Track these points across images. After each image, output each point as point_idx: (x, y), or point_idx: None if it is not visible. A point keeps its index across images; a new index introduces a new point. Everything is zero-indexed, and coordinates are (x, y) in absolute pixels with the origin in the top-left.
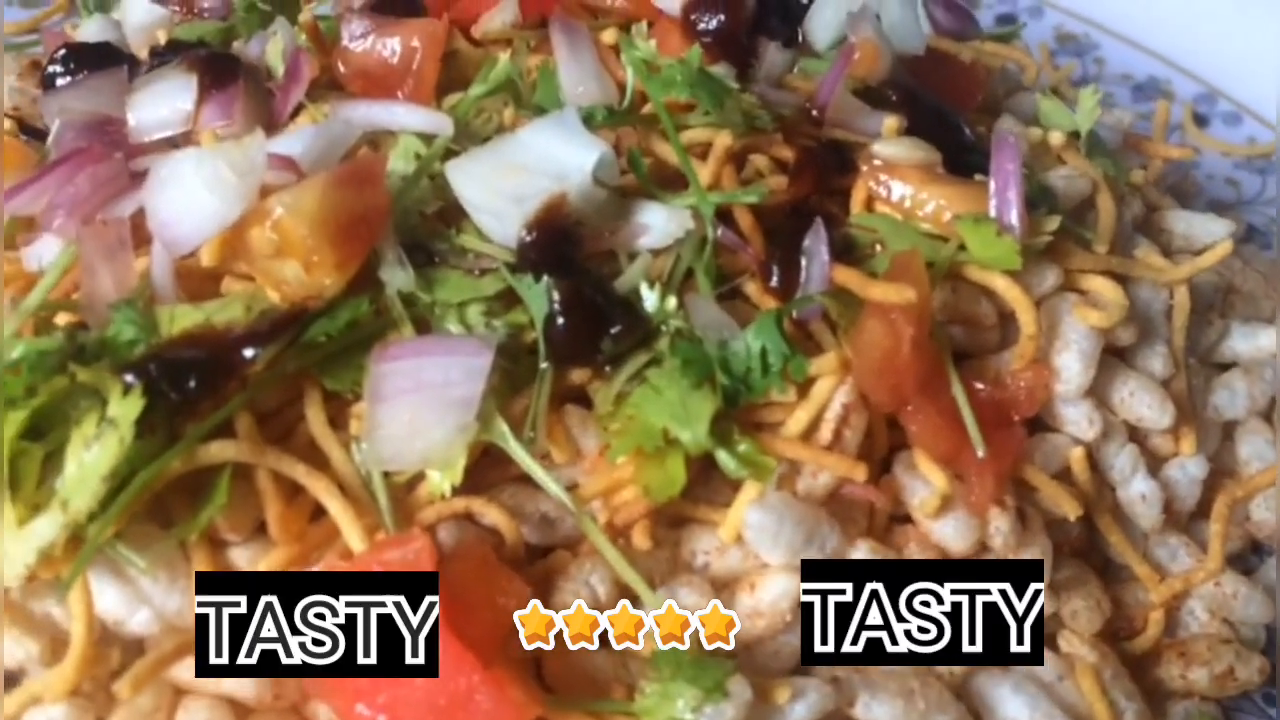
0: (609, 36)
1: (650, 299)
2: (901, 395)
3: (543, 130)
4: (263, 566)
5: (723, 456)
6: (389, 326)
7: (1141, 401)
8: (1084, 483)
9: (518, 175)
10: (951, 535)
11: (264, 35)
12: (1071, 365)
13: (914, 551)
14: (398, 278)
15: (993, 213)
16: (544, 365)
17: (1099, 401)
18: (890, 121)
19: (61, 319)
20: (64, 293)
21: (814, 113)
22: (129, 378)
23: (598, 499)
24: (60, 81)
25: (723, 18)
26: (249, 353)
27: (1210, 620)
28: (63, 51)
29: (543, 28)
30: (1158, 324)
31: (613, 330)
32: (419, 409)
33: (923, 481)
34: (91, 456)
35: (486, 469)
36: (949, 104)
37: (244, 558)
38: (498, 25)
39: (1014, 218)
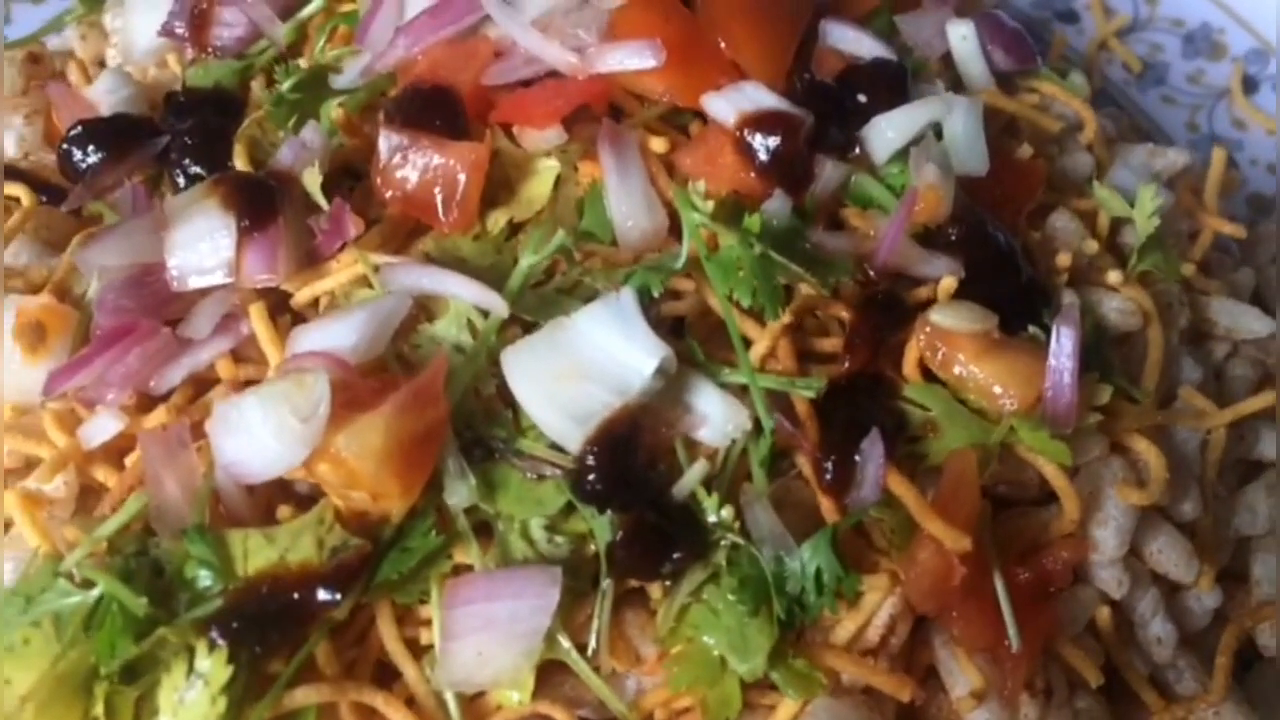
0: (658, 145)
1: (709, 505)
2: (948, 605)
3: (601, 322)
4: None
5: (777, 676)
6: (454, 541)
7: (1169, 558)
8: (1108, 636)
9: (577, 384)
10: None
11: (296, 142)
12: (1109, 540)
13: None
14: (460, 493)
15: (1048, 394)
16: (606, 582)
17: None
18: (947, 282)
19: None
20: (127, 487)
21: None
22: (215, 634)
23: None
24: (78, 159)
25: (780, 140)
26: (325, 596)
27: None
28: (78, 129)
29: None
30: (1192, 462)
31: (674, 555)
32: (489, 643)
33: (960, 673)
34: (186, 712)
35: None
36: (1006, 208)
37: None
38: (544, 146)
39: (1066, 408)
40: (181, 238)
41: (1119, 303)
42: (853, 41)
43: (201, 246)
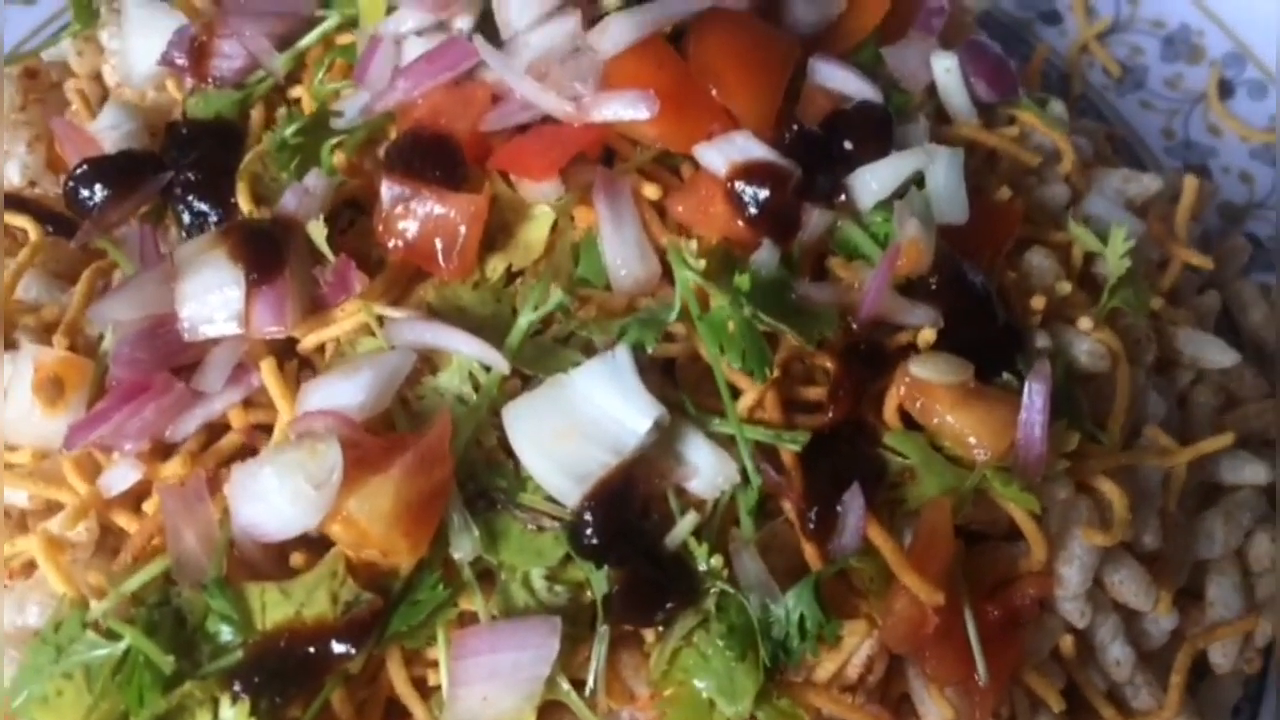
0: (651, 192)
1: (699, 554)
2: (921, 646)
3: (598, 380)
4: None
5: (762, 716)
6: (460, 590)
7: (1129, 590)
8: (1071, 662)
9: (576, 443)
10: None
11: (300, 188)
12: (1074, 577)
13: None
14: (465, 547)
15: (1019, 446)
16: (603, 628)
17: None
18: (926, 334)
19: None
20: (148, 535)
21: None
22: (238, 688)
23: None
24: (85, 197)
25: (769, 193)
26: (340, 648)
27: None
28: (84, 168)
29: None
30: (1154, 494)
31: (667, 605)
32: (494, 690)
33: (931, 703)
34: None
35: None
36: (984, 250)
37: None
38: (541, 197)
39: (1036, 460)
40: (191, 289)
41: (1089, 345)
42: (840, 80)
43: (211, 299)
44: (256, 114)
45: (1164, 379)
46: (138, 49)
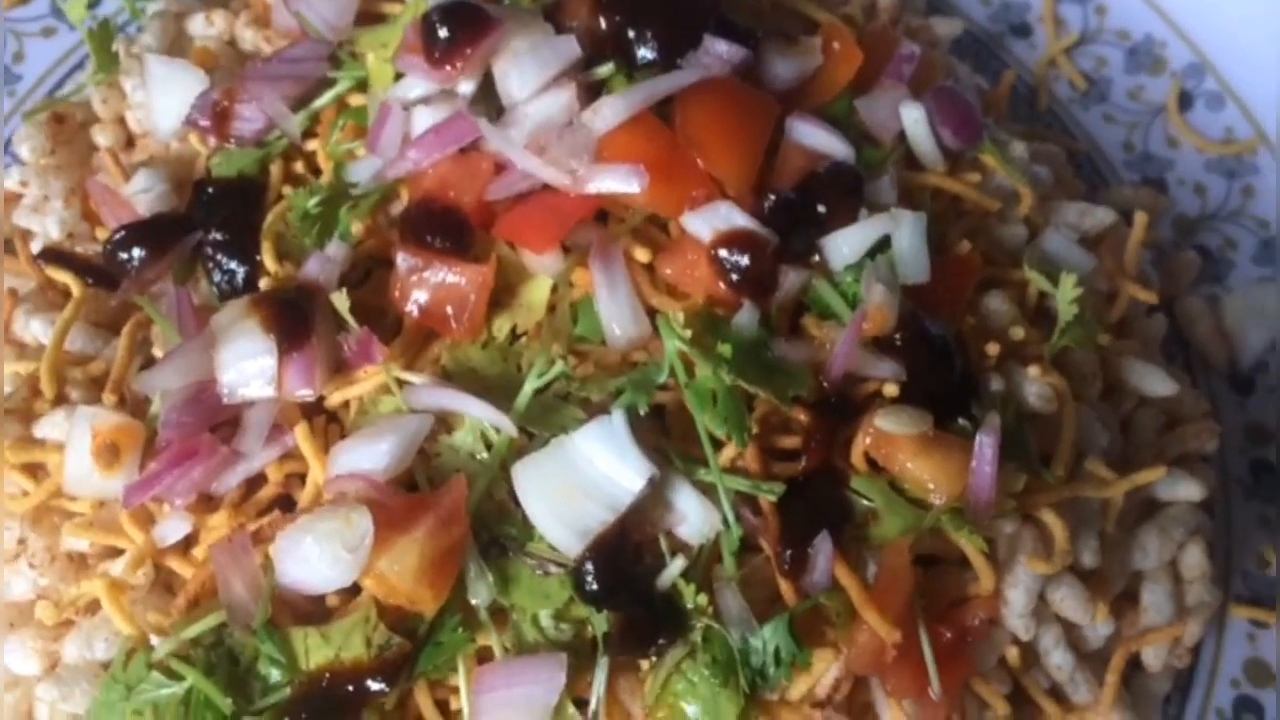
0: (642, 256)
1: (687, 594)
2: (882, 668)
3: (596, 441)
4: None
5: None
6: (477, 629)
7: (1070, 606)
8: (1017, 668)
9: (577, 501)
10: None
11: (322, 256)
12: (1019, 599)
13: None
14: (481, 593)
15: (970, 491)
16: (603, 659)
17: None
18: (890, 388)
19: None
20: (200, 582)
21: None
22: None
23: None
24: (124, 259)
25: (749, 260)
26: (376, 686)
27: None
28: (123, 233)
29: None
30: (1093, 518)
31: (659, 641)
32: (509, 718)
33: (891, 715)
34: None
35: None
36: (945, 301)
37: None
38: (543, 269)
39: (985, 505)
40: (229, 357)
41: (1038, 388)
42: (816, 138)
43: (247, 366)
44: (276, 170)
45: (1109, 405)
46: (162, 107)
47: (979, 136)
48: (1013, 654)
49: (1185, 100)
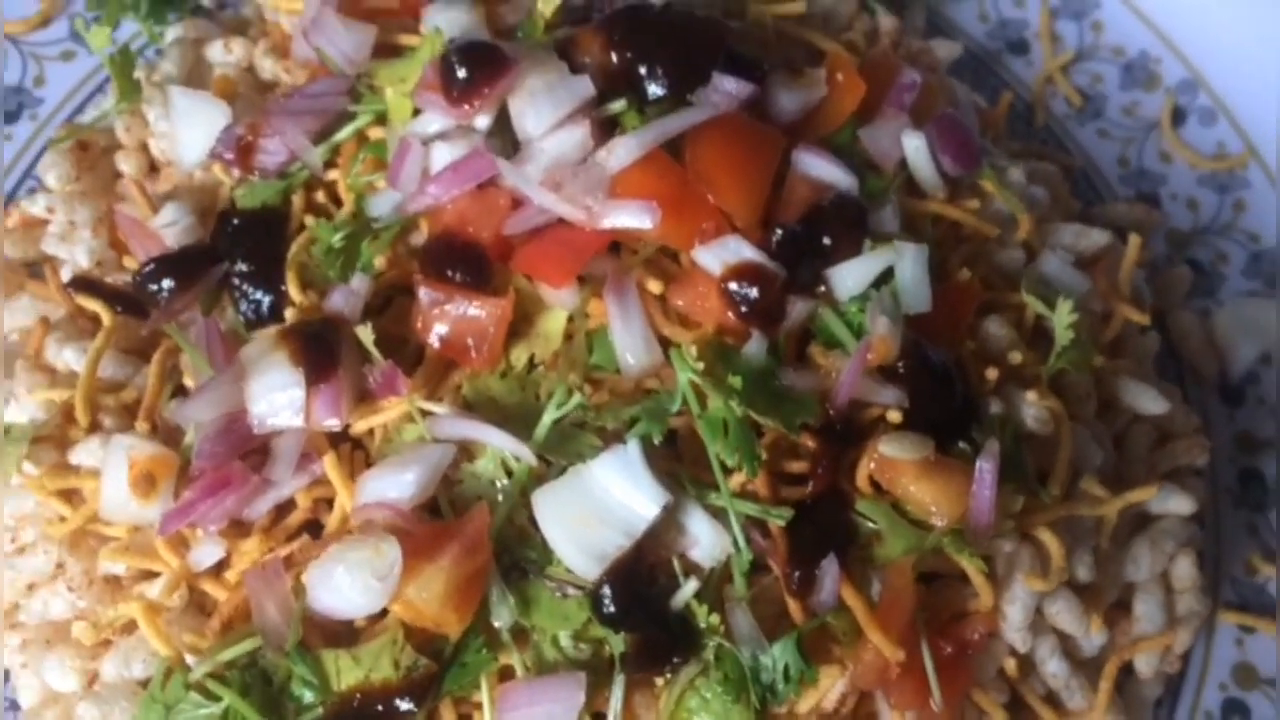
0: (655, 287)
1: (699, 614)
2: (886, 683)
3: (612, 470)
4: None
5: None
6: (499, 649)
7: (1065, 619)
8: (1014, 678)
9: (595, 528)
10: None
11: (346, 290)
12: (1017, 614)
13: None
14: (503, 616)
15: (970, 514)
16: (619, 676)
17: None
18: (893, 415)
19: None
20: (233, 605)
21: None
22: None
23: None
24: (154, 290)
25: (758, 292)
26: (405, 706)
27: None
28: (153, 266)
29: None
30: (1088, 534)
31: (674, 660)
32: None
33: None
34: None
35: None
36: (946, 327)
37: None
38: (559, 303)
39: (985, 528)
40: (259, 389)
41: (1036, 411)
42: (820, 169)
43: (276, 398)
44: (298, 200)
45: (1103, 423)
46: (186, 139)
47: (978, 163)
48: (1010, 665)
49: (1179, 116)
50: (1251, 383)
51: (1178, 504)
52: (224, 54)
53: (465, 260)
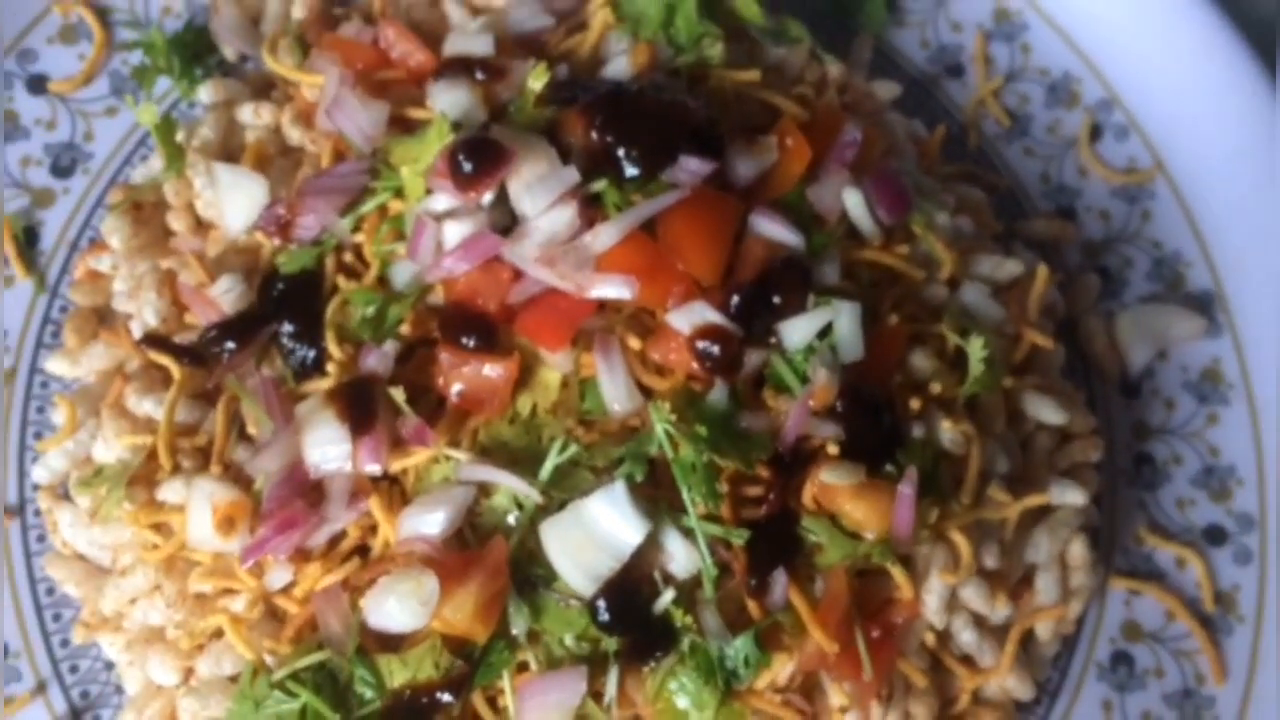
0: (635, 344)
1: (676, 616)
2: (829, 665)
3: (603, 506)
4: None
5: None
6: (517, 649)
7: (975, 601)
8: (933, 647)
9: (591, 553)
10: None
11: (379, 352)
12: (934, 602)
13: None
14: (520, 625)
15: (894, 526)
16: (614, 667)
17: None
18: (832, 448)
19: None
20: (302, 620)
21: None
22: None
23: None
24: (216, 350)
25: (720, 349)
26: (446, 698)
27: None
28: (215, 331)
29: None
30: (994, 529)
31: (657, 654)
32: (544, 715)
33: (834, 694)
34: None
35: None
36: (877, 367)
37: None
38: (556, 365)
39: (907, 537)
40: (313, 441)
41: (951, 435)
42: (773, 230)
43: (328, 449)
44: (330, 262)
45: (1012, 431)
46: (231, 210)
47: (909, 210)
48: (930, 639)
49: (1096, 132)
50: (1147, 377)
51: (1073, 496)
52: (253, 117)
53: (477, 328)
